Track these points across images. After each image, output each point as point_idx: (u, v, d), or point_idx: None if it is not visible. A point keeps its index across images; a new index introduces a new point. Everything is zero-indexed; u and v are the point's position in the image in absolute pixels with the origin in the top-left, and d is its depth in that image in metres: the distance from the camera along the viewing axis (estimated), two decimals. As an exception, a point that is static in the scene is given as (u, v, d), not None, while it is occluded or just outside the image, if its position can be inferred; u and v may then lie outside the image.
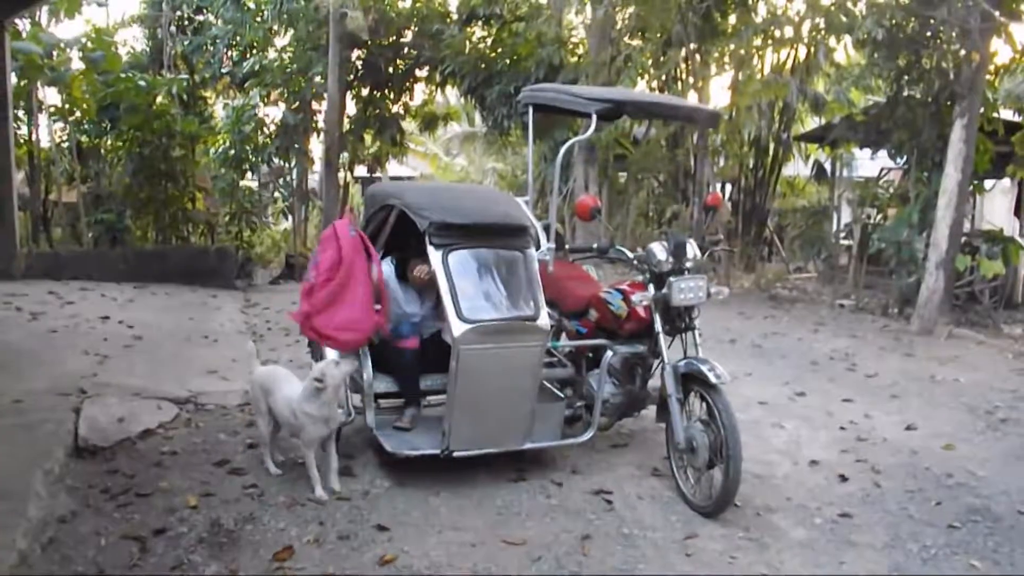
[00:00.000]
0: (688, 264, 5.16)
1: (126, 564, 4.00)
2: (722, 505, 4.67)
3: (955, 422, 7.03)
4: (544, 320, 4.80)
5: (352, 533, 4.41)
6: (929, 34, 11.68)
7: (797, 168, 21.34)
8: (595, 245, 5.41)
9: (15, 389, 6.22)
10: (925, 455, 6.08)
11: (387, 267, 5.53)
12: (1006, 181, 16.77)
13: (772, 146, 17.97)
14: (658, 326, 5.15)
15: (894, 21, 11.43)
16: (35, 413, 5.70)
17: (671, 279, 5.06)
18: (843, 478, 5.53)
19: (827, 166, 18.77)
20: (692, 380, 4.90)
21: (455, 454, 4.92)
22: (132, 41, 20.96)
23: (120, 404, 6.18)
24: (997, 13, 10.72)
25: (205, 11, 20.24)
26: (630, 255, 5.34)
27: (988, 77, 12.07)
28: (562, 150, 5.43)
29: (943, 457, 6.06)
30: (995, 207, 20.33)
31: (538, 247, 5.20)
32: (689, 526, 4.67)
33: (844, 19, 11.85)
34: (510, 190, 23.54)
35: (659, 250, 5.20)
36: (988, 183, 16.91)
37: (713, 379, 4.69)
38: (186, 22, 20.39)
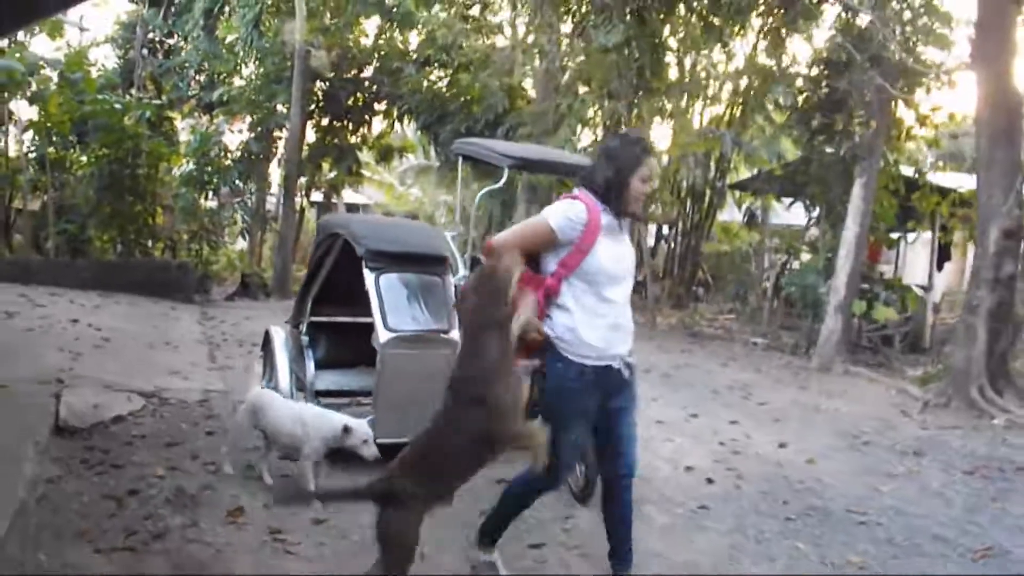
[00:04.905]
0: None
1: (106, 515, 4.90)
2: (588, 491, 5.64)
3: (824, 443, 8.09)
4: (454, 333, 5.81)
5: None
6: (837, 99, 12.95)
7: (733, 214, 22.63)
8: None
9: (1, 376, 7.10)
10: (788, 467, 7.14)
11: None
12: (927, 234, 18.05)
13: (708, 193, 19.19)
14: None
15: (802, 90, 12.72)
16: (21, 397, 6.59)
17: None
18: (710, 480, 6.57)
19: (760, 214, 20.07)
20: None
21: (378, 441, 5.86)
22: (103, 60, 21.75)
23: (94, 394, 7.07)
24: (901, 83, 12.06)
25: (176, 35, 21.09)
26: None
27: (898, 136, 13.44)
28: (477, 197, 6.51)
29: (803, 469, 7.12)
30: (917, 259, 21.68)
31: (456, 274, 6.26)
32: (571, 510, 5.65)
33: (760, 85, 13.10)
34: (460, 222, 24.57)
35: None
36: (911, 236, 18.24)
37: None
38: (158, 45, 21.20)
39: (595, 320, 4.11)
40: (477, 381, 3.71)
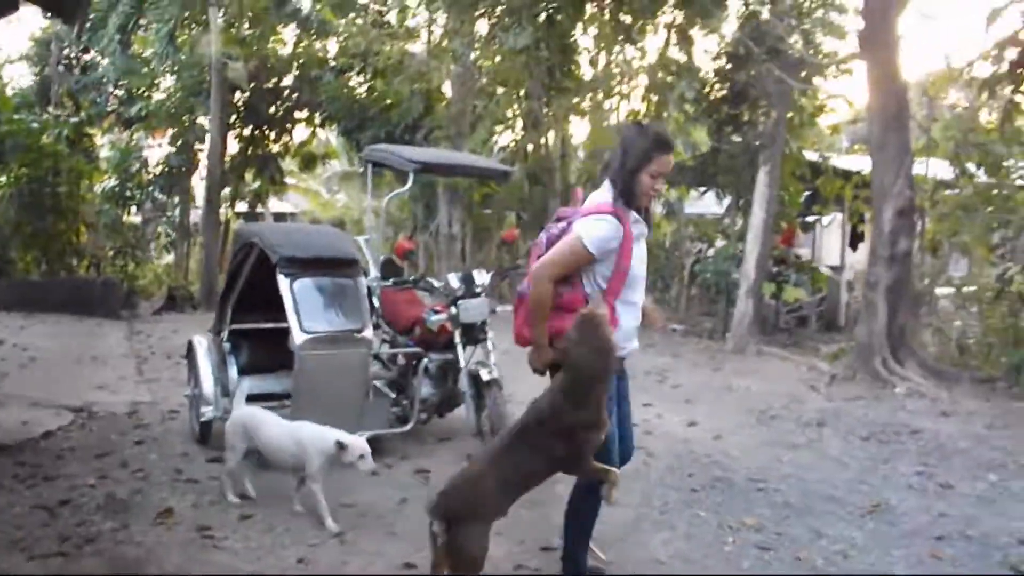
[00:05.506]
0: (477, 289, 6.58)
1: (39, 524, 5.11)
2: None
3: (733, 420, 8.52)
4: (368, 332, 6.14)
5: (221, 501, 5.63)
6: (740, 91, 13.50)
7: (653, 206, 23.10)
8: (411, 278, 6.87)
9: (-72, 399, 7.26)
10: (696, 444, 7.54)
11: None
12: (839, 216, 18.69)
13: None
14: (457, 338, 6.56)
15: (704, 82, 13.25)
16: (-50, 418, 6.78)
17: (460, 302, 6.48)
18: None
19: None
20: (477, 378, 6.29)
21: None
22: (18, 78, 21.60)
23: (22, 412, 7.29)
24: (802, 73, 12.63)
25: (92, 50, 21.00)
26: (436, 284, 6.80)
27: (800, 124, 14.04)
28: (384, 201, 6.86)
29: (710, 445, 7.52)
30: (833, 241, 22.39)
31: (368, 276, 6.59)
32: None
33: (669, 79, 13.61)
34: (389, 225, 24.88)
35: (453, 280, 6.67)
36: (826, 219, 18.86)
37: (485, 376, 6.11)
38: (74, 61, 21.08)
39: (617, 319, 4.15)
40: (577, 421, 3.85)
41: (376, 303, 7.14)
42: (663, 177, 4.14)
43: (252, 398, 6.66)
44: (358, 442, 5.16)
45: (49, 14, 18.87)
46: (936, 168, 13.40)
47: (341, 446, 5.10)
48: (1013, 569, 4.89)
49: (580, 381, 3.82)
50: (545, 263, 4.13)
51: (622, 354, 4.18)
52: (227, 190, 20.65)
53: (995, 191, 11.75)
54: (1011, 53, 10.21)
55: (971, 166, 12.15)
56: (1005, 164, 11.76)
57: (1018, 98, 10.56)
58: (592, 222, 4.08)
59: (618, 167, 4.12)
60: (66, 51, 21.53)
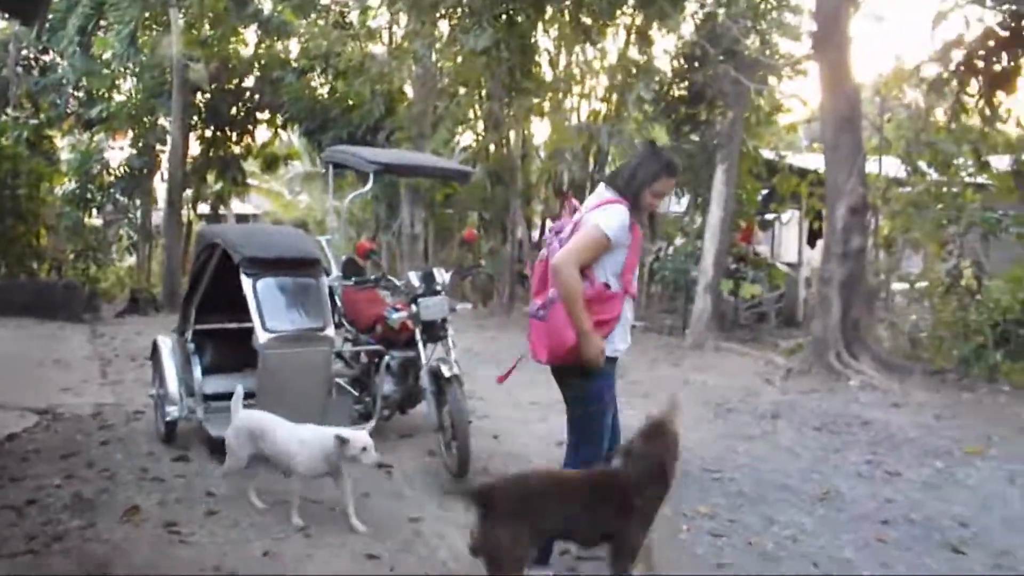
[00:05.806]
0: (438, 287, 6.72)
1: (6, 525, 5.18)
2: (463, 469, 6.08)
3: (690, 413, 8.57)
4: (330, 330, 6.27)
5: (187, 498, 5.73)
6: (697, 91, 13.75)
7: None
8: (373, 276, 7.00)
9: None
10: (653, 437, 7.73)
11: None
12: (796, 213, 18.99)
13: (588, 186, 19.82)
14: (418, 336, 6.68)
15: (662, 83, 13.49)
16: (-87, 421, 6.81)
17: (420, 300, 6.61)
18: (579, 452, 7.10)
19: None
20: (438, 375, 6.42)
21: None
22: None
23: (-14, 414, 7.32)
24: (758, 74, 12.86)
25: (51, 51, 20.85)
26: (398, 283, 6.94)
27: (757, 123, 14.29)
28: (346, 201, 6.99)
29: (668, 438, 7.72)
30: (792, 238, 22.70)
31: (329, 275, 6.72)
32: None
33: (628, 80, 13.83)
34: (351, 226, 24.92)
35: (414, 278, 6.79)
36: (785, 216, 19.14)
37: (446, 372, 6.24)
38: (33, 62, 20.92)
39: (624, 315, 4.51)
40: (640, 487, 4.05)
41: (338, 302, 7.28)
42: (663, 196, 4.62)
43: (216, 397, 6.79)
44: (359, 435, 5.15)
45: (7, 15, 18.75)
46: (889, 166, 13.68)
47: (342, 441, 5.10)
48: (954, 550, 5.11)
49: (645, 485, 4.05)
50: (565, 253, 4.33)
51: (621, 349, 4.58)
52: (189, 192, 20.58)
53: (945, 189, 12.05)
54: (957, 55, 10.51)
55: (922, 164, 12.43)
56: (954, 162, 12.04)
57: (965, 98, 10.85)
58: (607, 210, 4.37)
59: (628, 179, 4.43)
60: (25, 52, 21.30)
